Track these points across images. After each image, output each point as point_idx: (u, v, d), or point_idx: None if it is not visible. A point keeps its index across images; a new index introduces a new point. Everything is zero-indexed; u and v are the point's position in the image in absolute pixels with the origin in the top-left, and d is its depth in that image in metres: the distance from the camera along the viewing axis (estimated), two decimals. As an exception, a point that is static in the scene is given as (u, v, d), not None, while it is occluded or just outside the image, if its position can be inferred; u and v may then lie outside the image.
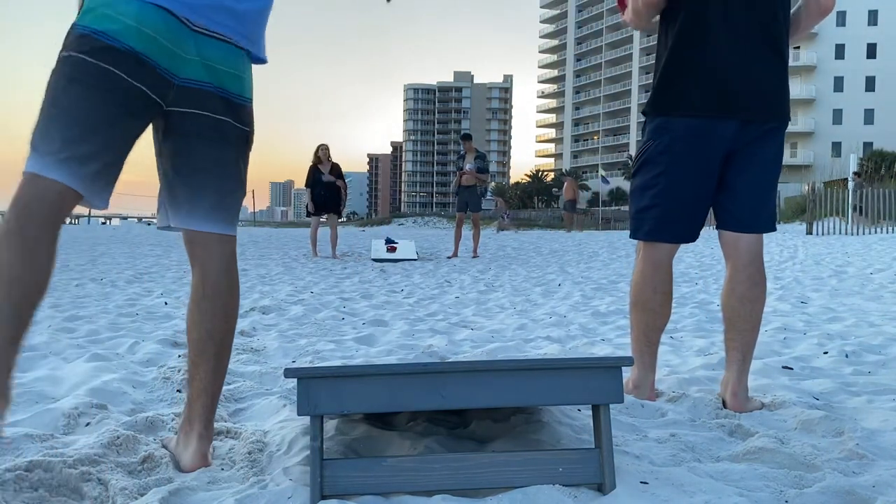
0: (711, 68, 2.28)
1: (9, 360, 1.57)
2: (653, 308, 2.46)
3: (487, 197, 24.86)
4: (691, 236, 2.44)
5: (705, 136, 2.30)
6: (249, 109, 1.84)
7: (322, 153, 10.98)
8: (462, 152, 11.48)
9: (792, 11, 2.43)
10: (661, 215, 2.39)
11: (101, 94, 1.61)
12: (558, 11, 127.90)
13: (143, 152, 1.83)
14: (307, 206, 11.11)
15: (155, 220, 1.97)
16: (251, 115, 1.86)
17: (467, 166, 11.22)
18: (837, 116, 64.56)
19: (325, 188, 10.90)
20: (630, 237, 2.51)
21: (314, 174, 10.89)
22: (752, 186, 2.37)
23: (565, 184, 26.15)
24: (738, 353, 2.40)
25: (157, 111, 1.71)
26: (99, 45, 1.61)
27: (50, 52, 1.84)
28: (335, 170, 11.01)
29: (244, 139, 1.83)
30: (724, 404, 2.40)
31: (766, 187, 2.40)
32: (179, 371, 2.78)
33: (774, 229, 2.45)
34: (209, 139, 1.75)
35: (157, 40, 1.64)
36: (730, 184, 2.38)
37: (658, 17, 2.44)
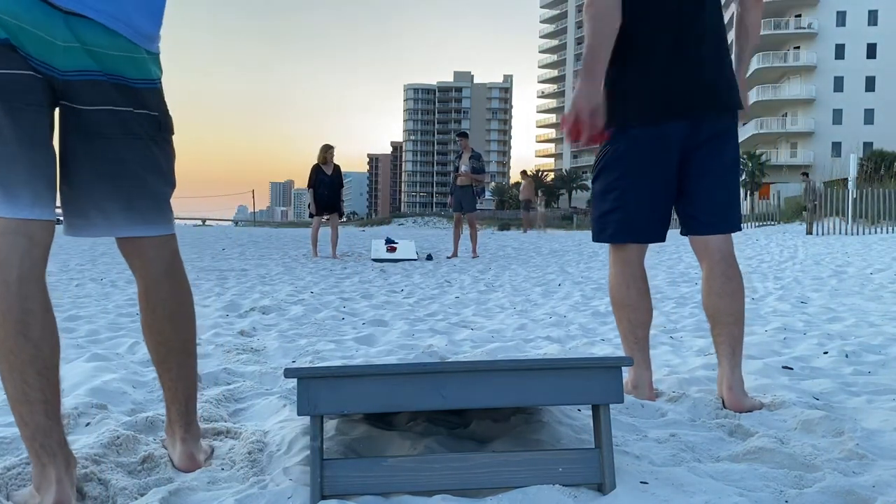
0: (654, 76, 2.34)
1: (59, 434, 1.51)
2: (631, 304, 2.50)
3: (486, 197, 24.12)
4: (657, 237, 2.49)
5: (657, 141, 2.36)
6: (154, 91, 1.61)
7: (328, 154, 10.99)
8: (459, 151, 11.50)
9: (734, 15, 2.49)
10: (624, 218, 2.44)
11: (2, 101, 1.42)
12: (558, 11, 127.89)
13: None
14: (310, 207, 11.13)
15: None
16: (158, 96, 1.63)
17: (463, 167, 11.22)
18: (837, 116, 64.50)
19: (328, 188, 10.93)
20: (593, 240, 2.57)
21: (317, 174, 10.91)
22: (712, 190, 2.42)
23: (523, 183, 24.92)
24: (727, 348, 2.43)
25: (53, 99, 1.51)
26: None
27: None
28: (336, 172, 11.03)
29: (154, 125, 1.61)
30: (723, 403, 2.40)
31: (728, 189, 2.44)
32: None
33: (740, 228, 2.49)
34: (111, 136, 1.55)
35: (18, 26, 1.42)
36: (690, 189, 2.43)
37: None
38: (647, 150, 2.37)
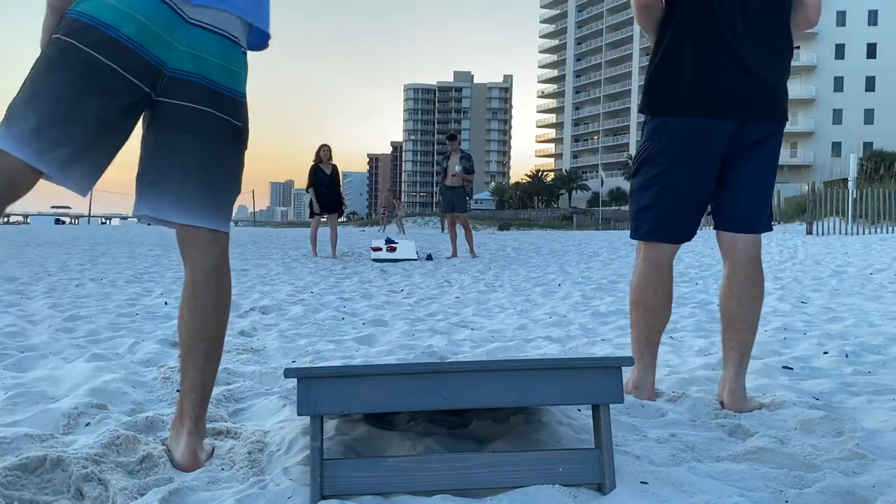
0: (707, 68, 2.27)
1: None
2: (653, 308, 2.45)
3: (487, 197, 24.25)
4: (689, 236, 2.44)
5: (703, 136, 2.29)
6: (241, 104, 1.80)
7: (323, 153, 11.01)
8: (448, 153, 11.48)
9: None
10: (660, 215, 2.38)
11: (81, 79, 1.60)
12: (558, 11, 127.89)
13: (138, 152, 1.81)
14: (311, 206, 11.12)
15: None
16: (243, 109, 1.82)
17: (457, 168, 11.20)
18: (837, 116, 64.53)
19: (328, 187, 10.95)
20: (630, 237, 2.51)
21: (316, 174, 10.92)
22: (752, 188, 2.36)
23: (382, 197, 25.57)
24: (736, 353, 2.40)
25: (146, 101, 1.70)
26: (88, 30, 1.61)
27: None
28: (334, 171, 11.05)
29: (235, 133, 1.79)
30: (722, 405, 2.40)
31: (766, 189, 2.39)
32: (179, 371, 2.78)
33: (771, 229, 2.45)
34: (193, 131, 1.73)
35: (151, 28, 1.64)
36: (730, 186, 2.37)
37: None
38: (690, 144, 2.30)
